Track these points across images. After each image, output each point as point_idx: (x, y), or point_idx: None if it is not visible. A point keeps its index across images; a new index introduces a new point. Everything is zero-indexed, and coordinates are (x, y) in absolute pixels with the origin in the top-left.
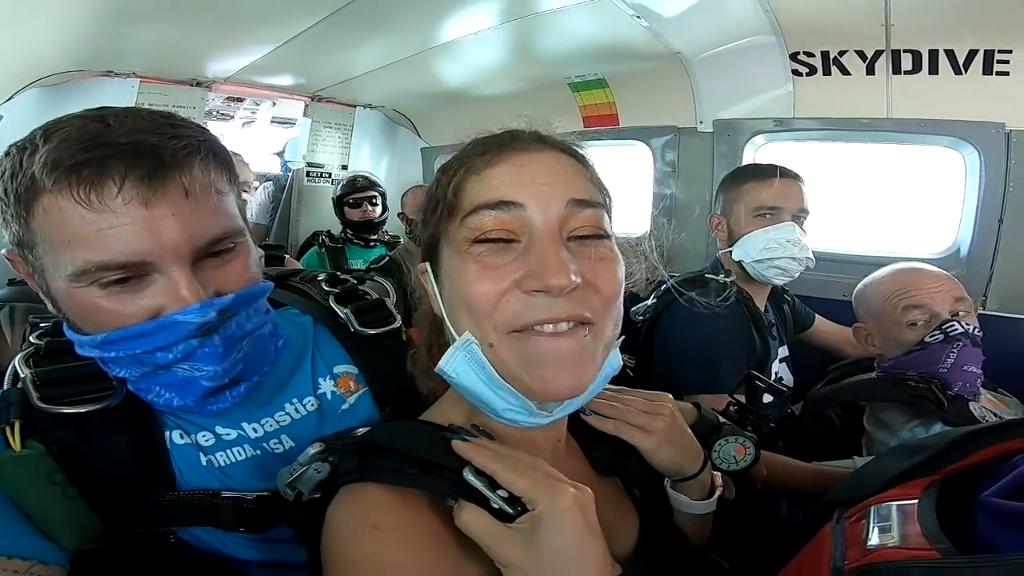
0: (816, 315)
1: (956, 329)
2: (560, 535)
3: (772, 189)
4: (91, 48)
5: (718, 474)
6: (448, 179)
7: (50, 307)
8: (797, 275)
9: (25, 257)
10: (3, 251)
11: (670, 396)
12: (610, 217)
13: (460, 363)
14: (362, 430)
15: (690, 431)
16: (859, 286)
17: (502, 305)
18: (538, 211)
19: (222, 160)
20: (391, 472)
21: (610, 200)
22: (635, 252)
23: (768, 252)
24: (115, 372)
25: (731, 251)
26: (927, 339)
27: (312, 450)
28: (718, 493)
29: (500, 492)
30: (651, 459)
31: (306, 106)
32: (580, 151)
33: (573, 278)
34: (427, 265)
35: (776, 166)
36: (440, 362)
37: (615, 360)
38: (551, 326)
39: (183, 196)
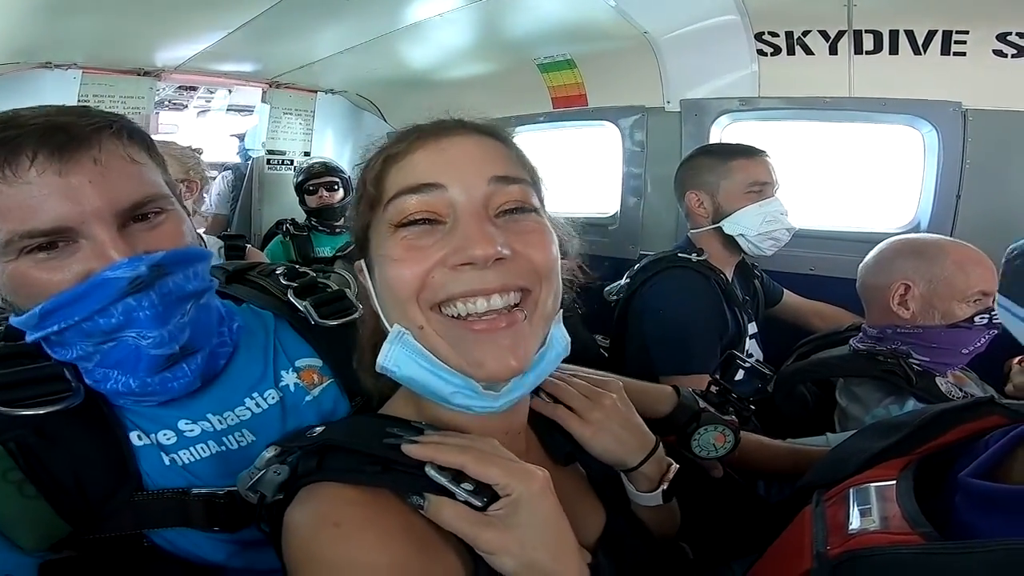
0: (784, 289)
1: (998, 319)
2: (539, 515)
3: (761, 165)
4: (26, 39)
5: (675, 467)
6: (367, 171)
7: None
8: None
9: None
10: None
11: (619, 383)
12: (539, 195)
13: (398, 356)
14: (319, 429)
15: (638, 420)
16: (921, 241)
17: (427, 282)
18: (461, 191)
19: (138, 136)
20: (352, 471)
21: (538, 179)
22: (603, 231)
23: (768, 225)
24: (65, 356)
25: (719, 227)
26: (976, 319)
27: (268, 454)
28: (663, 487)
29: (465, 485)
30: (586, 447)
31: (264, 92)
32: (503, 133)
33: (499, 248)
34: (362, 263)
35: (746, 144)
36: (379, 359)
37: (561, 338)
38: (483, 300)
39: (93, 164)
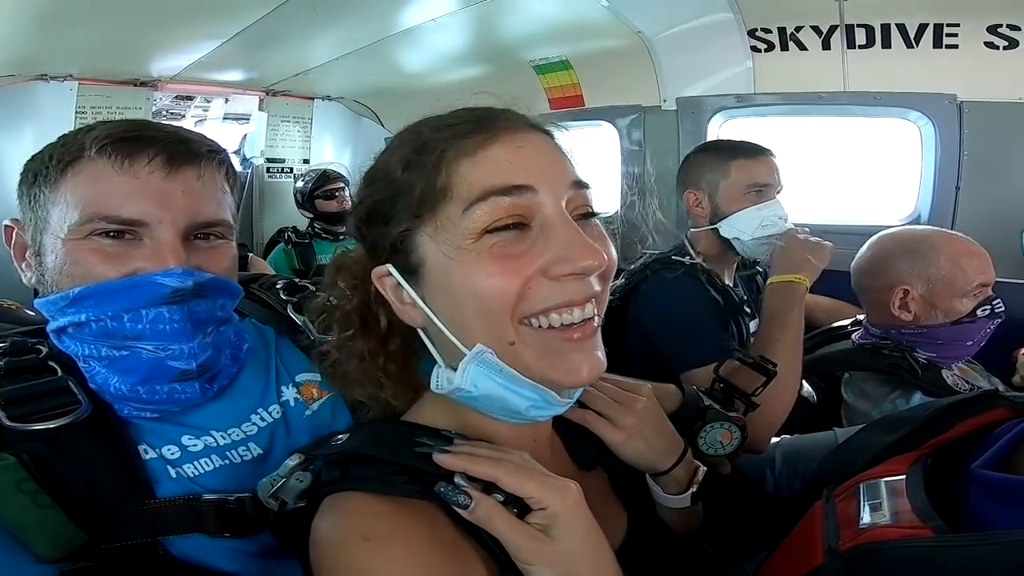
0: None
1: (1000, 307)
2: (577, 531)
3: (764, 166)
4: (20, 51)
5: (703, 469)
6: (430, 164)
7: (24, 276)
8: None
9: (28, 221)
10: (6, 220)
11: (648, 388)
12: None
13: (477, 376)
14: (342, 437)
15: (669, 425)
16: (912, 238)
17: (526, 294)
18: (548, 194)
19: (231, 171)
20: (378, 480)
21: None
22: (607, 231)
23: (766, 230)
24: (74, 351)
25: (716, 228)
26: (979, 312)
27: (291, 462)
28: (693, 489)
29: (496, 496)
30: (618, 453)
31: (261, 101)
32: (557, 134)
33: (605, 257)
34: (388, 267)
35: (751, 143)
36: (455, 380)
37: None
38: (579, 311)
39: (195, 178)
